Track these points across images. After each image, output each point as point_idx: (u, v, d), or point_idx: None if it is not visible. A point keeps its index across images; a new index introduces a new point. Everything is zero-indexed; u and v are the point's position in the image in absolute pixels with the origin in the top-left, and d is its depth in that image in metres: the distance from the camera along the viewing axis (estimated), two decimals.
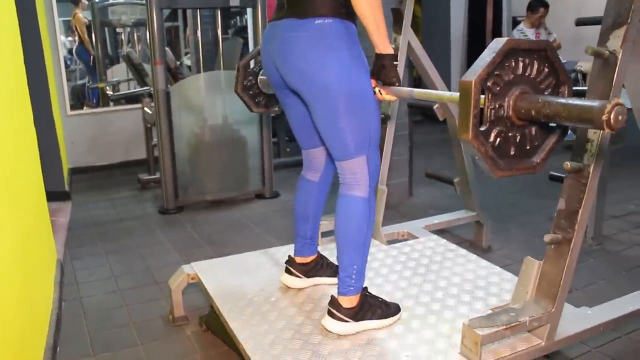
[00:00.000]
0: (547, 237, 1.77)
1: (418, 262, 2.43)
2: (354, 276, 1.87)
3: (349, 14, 1.76)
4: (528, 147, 1.40)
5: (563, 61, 4.73)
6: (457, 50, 6.65)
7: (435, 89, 2.77)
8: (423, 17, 7.10)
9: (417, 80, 4.50)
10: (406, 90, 1.81)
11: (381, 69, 1.80)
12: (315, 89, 1.77)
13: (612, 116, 1.12)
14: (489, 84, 1.28)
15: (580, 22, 3.52)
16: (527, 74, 1.34)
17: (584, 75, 5.53)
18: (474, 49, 6.13)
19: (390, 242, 2.69)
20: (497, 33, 5.87)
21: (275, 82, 1.95)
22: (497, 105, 1.32)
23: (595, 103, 1.16)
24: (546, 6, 5.92)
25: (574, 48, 6.21)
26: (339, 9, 1.75)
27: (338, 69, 1.73)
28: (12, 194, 2.05)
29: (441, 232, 3.06)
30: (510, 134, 1.36)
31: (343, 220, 1.87)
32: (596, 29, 1.79)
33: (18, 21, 2.82)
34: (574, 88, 4.45)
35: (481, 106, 1.30)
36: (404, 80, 2.84)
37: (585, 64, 5.58)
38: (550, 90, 1.39)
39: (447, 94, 1.57)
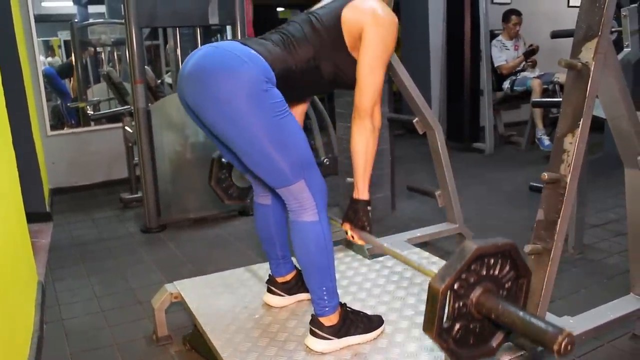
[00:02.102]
0: (527, 248, 1.78)
1: (401, 276, 2.43)
2: (325, 297, 1.86)
3: (279, 81, 1.72)
4: (486, 334, 1.49)
5: (540, 73, 4.76)
6: (437, 61, 6.70)
7: (415, 105, 2.79)
8: (402, 30, 7.16)
9: (397, 94, 4.53)
10: (378, 242, 1.95)
11: (355, 214, 1.87)
12: (227, 127, 1.69)
13: (562, 347, 1.22)
14: (455, 287, 1.36)
15: (556, 35, 3.56)
16: (490, 273, 1.43)
17: (561, 86, 5.60)
18: (452, 60, 6.19)
19: (372, 257, 2.69)
20: (475, 45, 5.94)
21: (190, 113, 1.86)
22: (460, 304, 1.40)
23: (549, 329, 1.26)
24: (518, 14, 6.02)
25: (551, 60, 6.30)
26: (274, 66, 1.71)
27: (250, 101, 1.64)
28: None
29: (424, 245, 3.07)
30: (470, 326, 1.45)
31: (300, 247, 1.85)
32: (572, 41, 1.82)
33: None
34: (551, 99, 4.47)
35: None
36: (383, 94, 2.87)
37: (563, 76, 5.64)
38: (510, 282, 1.47)
39: (427, 269, 1.80)
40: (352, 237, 1.93)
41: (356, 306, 2.11)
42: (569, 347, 1.22)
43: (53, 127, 5.31)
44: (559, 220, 1.74)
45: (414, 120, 2.82)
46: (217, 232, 3.90)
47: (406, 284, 2.35)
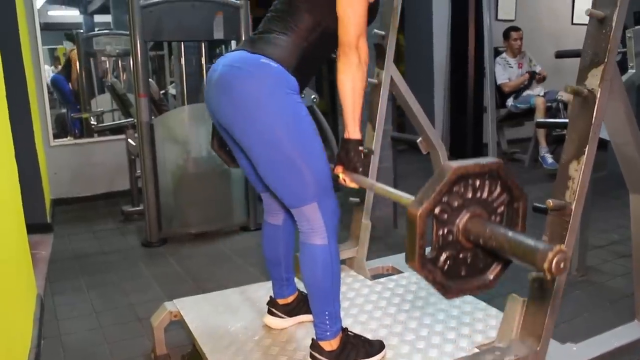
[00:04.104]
0: (530, 276, 1.76)
1: (403, 298, 2.41)
2: (327, 322, 1.85)
3: (298, 72, 1.74)
4: (481, 266, 1.37)
5: (545, 91, 4.76)
6: (440, 77, 6.72)
7: (419, 124, 2.78)
8: (406, 46, 7.17)
9: (401, 110, 4.51)
10: (368, 182, 1.81)
11: (346, 154, 1.79)
12: (251, 134, 1.73)
13: (553, 264, 1.10)
14: (436, 212, 1.25)
15: (560, 55, 3.56)
16: (477, 196, 1.31)
17: (565, 105, 5.59)
18: (456, 77, 6.19)
19: (374, 277, 2.67)
20: (479, 61, 5.94)
21: (216, 121, 1.90)
22: (445, 231, 1.29)
23: (539, 246, 1.14)
24: (517, 30, 6.03)
25: (554, 78, 6.31)
26: (290, 62, 1.73)
27: (275, 115, 1.69)
28: None
29: None
30: (460, 256, 1.32)
31: (307, 269, 1.85)
32: (576, 60, 1.81)
33: (0, 51, 2.81)
34: (556, 120, 4.47)
35: None
36: (387, 111, 2.86)
37: (567, 94, 5.64)
38: (504, 207, 1.36)
39: (404, 197, 1.51)
40: (344, 180, 1.83)
41: (357, 329, 2.09)
42: (561, 265, 1.11)
43: (56, 136, 5.31)
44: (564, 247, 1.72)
45: (418, 140, 2.81)
46: (218, 248, 3.88)
47: (408, 306, 2.33)
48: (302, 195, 1.77)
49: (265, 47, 1.75)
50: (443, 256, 1.29)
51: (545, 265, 1.10)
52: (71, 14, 9.23)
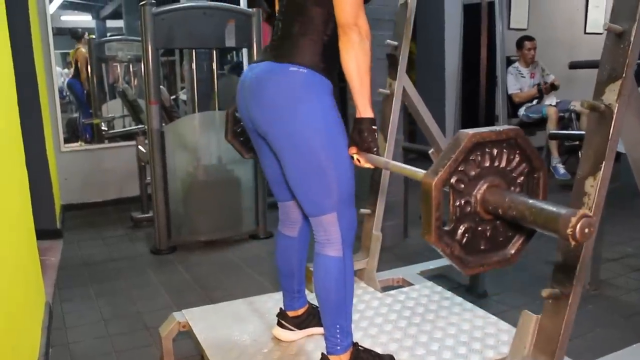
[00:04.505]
0: (544, 292, 1.73)
1: (413, 311, 2.38)
2: (338, 335, 1.83)
3: (327, 69, 1.73)
4: (501, 239, 1.32)
5: (557, 100, 4.71)
6: (452, 86, 6.67)
7: (431, 135, 2.76)
8: (418, 54, 7.15)
9: (412, 116, 4.49)
10: (382, 161, 1.76)
11: (359, 134, 1.74)
12: (282, 140, 1.74)
13: (577, 230, 1.04)
14: (452, 181, 1.21)
15: (574, 66, 3.55)
16: (496, 165, 1.26)
17: (578, 115, 5.55)
18: (468, 86, 6.15)
19: (384, 289, 2.65)
20: (491, 71, 5.90)
21: (248, 128, 1.92)
22: (462, 202, 1.24)
23: (562, 211, 1.08)
24: (530, 39, 5.99)
25: (567, 88, 6.27)
26: (318, 63, 1.73)
27: (307, 121, 1.70)
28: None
29: (437, 277, 3.02)
30: (479, 229, 1.28)
31: (320, 281, 1.83)
32: (589, 70, 1.78)
33: (13, 55, 2.81)
34: (568, 132, 4.43)
35: None
36: (399, 119, 2.83)
37: (579, 104, 5.60)
38: (523, 177, 1.31)
39: (419, 172, 1.44)
40: (359, 160, 1.78)
41: (367, 343, 2.07)
42: (585, 230, 1.03)
43: (67, 141, 5.32)
44: (579, 265, 1.69)
45: (430, 152, 2.79)
46: (227, 256, 3.87)
47: (418, 320, 2.31)
48: (323, 204, 1.76)
49: (289, 53, 1.74)
50: (461, 228, 1.25)
51: (569, 231, 1.05)
52: (84, 19, 9.29)
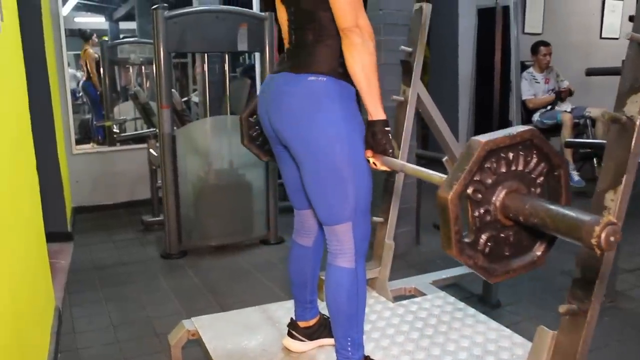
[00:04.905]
0: (562, 308, 1.69)
1: (426, 323, 2.34)
2: (349, 348, 1.80)
3: (346, 73, 1.69)
4: (525, 243, 1.28)
5: (572, 107, 4.62)
6: (465, 91, 6.63)
7: (445, 143, 2.72)
8: (431, 58, 7.10)
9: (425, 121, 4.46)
10: (398, 163, 1.72)
11: (373, 137, 1.70)
12: (302, 147, 1.72)
13: (602, 238, 0.98)
14: (469, 192, 1.17)
15: (591, 73, 3.49)
16: (513, 169, 1.22)
17: (593, 121, 5.48)
18: (482, 90, 6.10)
19: (396, 299, 2.61)
20: (505, 76, 5.84)
21: (269, 136, 1.90)
22: (481, 212, 1.20)
23: (585, 218, 1.02)
24: (546, 45, 5.92)
25: (582, 94, 6.20)
26: (336, 68, 1.70)
27: (327, 130, 1.67)
28: (8, 240, 2.00)
29: (450, 286, 2.97)
30: (502, 235, 1.23)
31: (332, 292, 1.80)
32: (605, 76, 1.73)
33: (25, 58, 2.80)
34: (584, 141, 4.34)
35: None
36: (412, 127, 2.79)
37: (595, 110, 5.54)
38: (543, 177, 1.26)
39: (435, 175, 1.44)
40: (375, 164, 1.74)
41: (378, 355, 2.04)
42: (611, 239, 0.97)
43: (79, 142, 5.33)
44: (597, 280, 1.65)
45: (444, 159, 2.75)
46: (237, 261, 3.84)
47: (431, 331, 2.26)
48: (339, 212, 1.74)
49: (306, 62, 1.72)
50: (483, 238, 1.21)
51: (594, 241, 0.99)
52: (97, 21, 9.33)
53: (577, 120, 5.54)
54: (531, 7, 6.80)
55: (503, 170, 1.20)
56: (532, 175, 1.24)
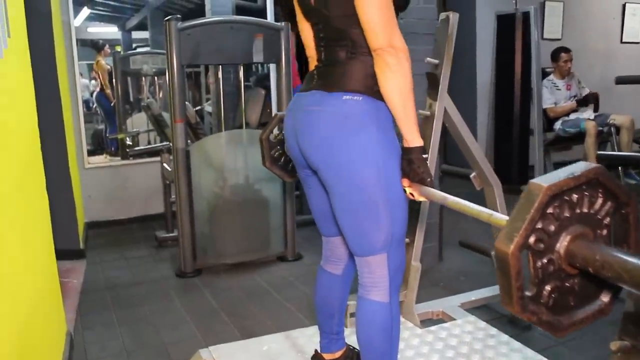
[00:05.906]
0: (613, 345, 1.54)
1: (457, 352, 2.21)
2: None
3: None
4: (591, 290, 1.16)
5: (595, 114, 4.45)
6: (483, 98, 6.49)
7: (473, 158, 2.59)
8: None
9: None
10: (439, 195, 1.55)
11: (409, 165, 1.58)
12: (334, 172, 1.59)
13: None
14: (530, 242, 1.05)
15: (621, 81, 3.34)
16: (577, 212, 1.09)
17: (618, 129, 5.32)
18: (501, 98, 5.94)
19: (424, 323, 2.49)
20: (525, 83, 5.70)
21: (296, 158, 1.78)
22: (544, 262, 1.08)
23: None
24: (567, 51, 5.77)
25: (604, 100, 6.04)
26: (371, 86, 1.57)
27: (362, 153, 1.55)
28: (16, 265, 1.90)
29: (478, 307, 2.84)
30: (566, 285, 1.11)
31: (363, 328, 1.67)
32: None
33: (35, 71, 2.70)
34: (617, 153, 4.16)
35: None
36: (434, 146, 2.66)
37: (619, 117, 5.38)
38: (609, 218, 1.13)
39: (483, 212, 1.32)
40: (412, 194, 1.62)
41: None
42: None
43: (91, 153, 5.24)
44: None
45: (472, 176, 2.62)
46: (254, 280, 3.72)
47: None
48: (373, 243, 1.61)
49: (339, 80, 1.61)
50: (546, 290, 1.09)
51: None
52: (110, 31, 9.31)
53: (600, 128, 5.38)
54: (550, 13, 6.67)
55: (567, 214, 1.08)
56: (598, 217, 1.12)
